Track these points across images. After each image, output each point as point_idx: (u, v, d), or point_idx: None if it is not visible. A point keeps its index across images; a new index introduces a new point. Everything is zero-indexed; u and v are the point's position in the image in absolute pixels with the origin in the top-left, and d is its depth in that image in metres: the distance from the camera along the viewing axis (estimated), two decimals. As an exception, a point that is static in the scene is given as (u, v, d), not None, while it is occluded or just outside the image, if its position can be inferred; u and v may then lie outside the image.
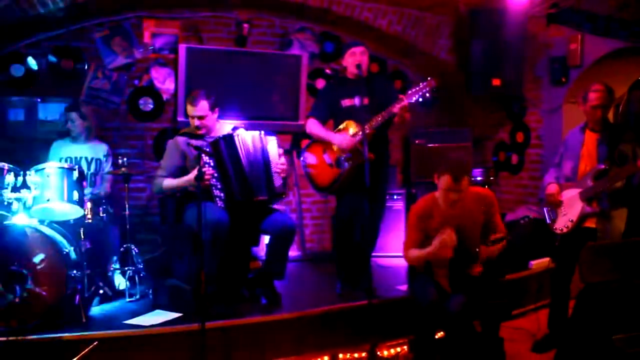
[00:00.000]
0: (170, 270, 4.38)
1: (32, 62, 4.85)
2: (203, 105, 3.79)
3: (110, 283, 4.07)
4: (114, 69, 5.09)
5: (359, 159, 3.81)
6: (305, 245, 5.65)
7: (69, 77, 4.96)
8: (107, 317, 3.63)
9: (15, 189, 3.50)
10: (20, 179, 3.55)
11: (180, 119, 5.13)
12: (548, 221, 3.78)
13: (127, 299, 3.93)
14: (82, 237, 3.83)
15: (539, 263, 4.59)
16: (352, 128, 3.93)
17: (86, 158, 4.40)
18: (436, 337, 3.49)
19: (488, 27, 5.28)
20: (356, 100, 3.98)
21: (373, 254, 4.37)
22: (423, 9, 5.56)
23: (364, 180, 3.52)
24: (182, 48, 5.06)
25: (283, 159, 3.91)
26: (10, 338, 3.08)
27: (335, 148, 3.97)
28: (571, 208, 3.63)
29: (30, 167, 3.58)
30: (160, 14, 5.19)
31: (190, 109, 3.82)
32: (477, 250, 3.27)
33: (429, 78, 3.84)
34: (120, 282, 4.10)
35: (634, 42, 4.42)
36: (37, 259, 3.28)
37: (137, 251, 4.11)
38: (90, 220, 3.93)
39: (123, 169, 4.09)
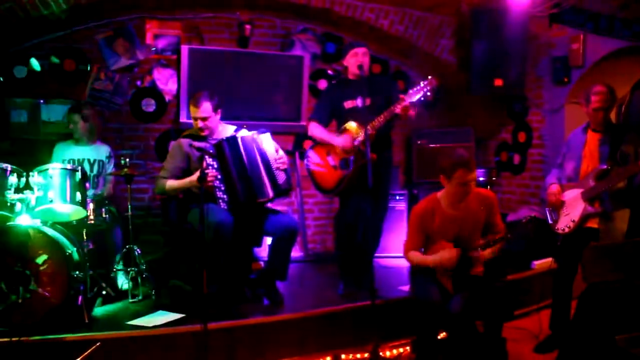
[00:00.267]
0: (172, 271, 4.39)
1: (35, 63, 4.86)
2: (206, 106, 3.79)
3: (113, 284, 4.07)
4: (116, 70, 5.10)
5: (361, 160, 3.81)
6: (308, 245, 5.65)
7: (72, 78, 4.98)
8: (110, 318, 3.64)
9: (18, 190, 3.51)
10: (23, 180, 3.56)
11: (183, 120, 5.14)
12: (550, 221, 3.77)
13: (130, 300, 3.94)
14: (85, 238, 3.84)
15: (542, 263, 4.58)
16: (355, 129, 3.93)
17: (89, 160, 4.41)
18: (439, 337, 3.49)
19: (490, 27, 5.28)
20: (358, 101, 3.98)
21: (375, 254, 4.37)
22: (425, 9, 5.56)
23: (367, 181, 3.52)
24: (184, 49, 5.07)
25: (281, 152, 3.90)
26: (13, 339, 3.08)
27: (339, 150, 3.97)
28: (573, 208, 3.63)
29: (33, 168, 3.59)
30: (163, 15, 5.20)
31: (193, 111, 3.81)
32: (480, 250, 3.27)
33: (430, 77, 3.84)
34: (123, 282, 4.11)
35: (636, 41, 4.41)
36: (40, 259, 3.28)
37: (139, 252, 4.12)
38: (92, 221, 3.94)
39: (125, 169, 4.09)
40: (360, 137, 3.84)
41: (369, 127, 3.72)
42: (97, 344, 3.16)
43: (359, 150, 3.85)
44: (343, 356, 3.70)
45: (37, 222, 3.47)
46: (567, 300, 3.73)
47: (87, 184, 3.87)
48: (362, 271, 4.05)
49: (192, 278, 3.95)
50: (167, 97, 5.28)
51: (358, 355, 3.70)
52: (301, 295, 4.28)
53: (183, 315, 3.61)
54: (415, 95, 3.81)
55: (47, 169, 3.57)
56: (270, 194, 3.79)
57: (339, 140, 3.92)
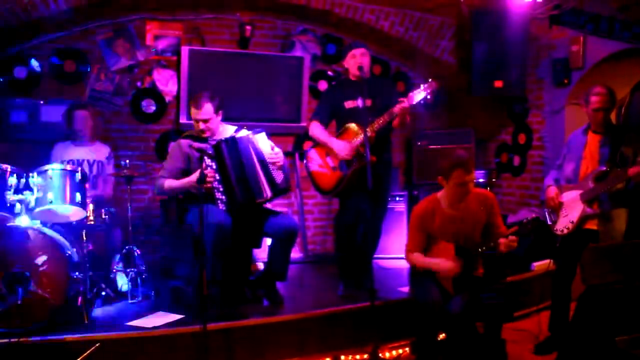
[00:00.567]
0: (172, 272, 4.39)
1: (35, 64, 4.87)
2: (208, 108, 3.77)
3: (112, 284, 4.08)
4: (116, 71, 5.11)
5: (361, 162, 3.81)
6: (308, 247, 5.65)
7: (72, 79, 4.98)
8: (110, 319, 3.63)
9: (17, 191, 3.50)
10: (22, 180, 3.55)
11: (183, 120, 5.14)
12: (549, 222, 3.78)
13: (130, 301, 3.94)
14: (85, 238, 3.83)
15: (541, 265, 4.58)
16: (354, 131, 3.93)
17: (88, 160, 4.42)
18: (438, 338, 3.48)
19: (490, 28, 5.28)
20: (359, 102, 3.97)
21: (375, 255, 4.37)
22: (425, 11, 5.56)
23: (366, 182, 3.52)
24: (184, 50, 5.07)
25: (277, 149, 3.88)
26: (13, 340, 3.08)
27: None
28: (572, 210, 3.63)
29: (32, 169, 3.59)
30: (163, 16, 5.20)
31: (194, 112, 3.80)
32: (480, 250, 3.27)
33: (430, 80, 3.84)
34: (123, 283, 4.11)
35: (636, 43, 4.41)
36: (40, 260, 3.28)
37: (139, 253, 4.12)
38: (92, 222, 3.94)
39: (125, 170, 4.09)
40: (360, 139, 3.84)
41: (368, 129, 3.72)
42: (97, 345, 3.16)
43: (358, 152, 3.85)
44: (343, 357, 3.70)
45: (36, 223, 3.47)
46: (566, 301, 3.73)
47: (87, 185, 3.86)
48: (362, 272, 4.05)
49: (192, 279, 3.95)
50: (167, 98, 5.28)
51: (357, 357, 3.70)
52: (301, 296, 4.28)
53: (182, 316, 3.61)
54: (416, 98, 3.81)
55: (47, 170, 3.56)
56: (269, 194, 3.79)
57: (338, 146, 3.91)
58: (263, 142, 3.87)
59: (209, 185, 3.62)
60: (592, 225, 3.58)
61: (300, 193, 5.66)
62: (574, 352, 2.99)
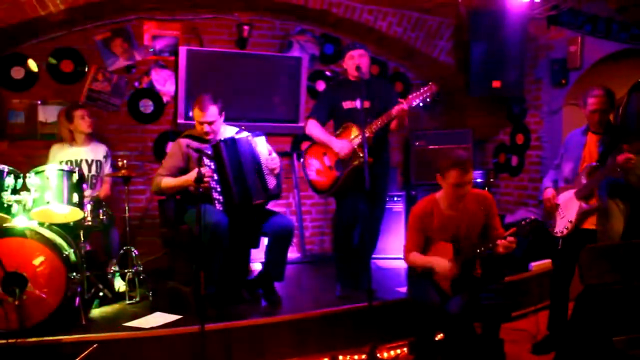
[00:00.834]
0: (170, 272, 4.38)
1: (32, 64, 4.86)
2: (212, 110, 3.78)
3: (110, 285, 4.07)
4: (114, 71, 5.10)
5: (358, 162, 3.81)
6: (305, 247, 5.65)
7: (69, 79, 4.97)
8: (107, 319, 3.63)
9: (15, 192, 3.50)
10: (20, 181, 3.56)
11: (181, 121, 5.13)
12: (548, 227, 3.79)
13: (127, 301, 3.93)
14: (82, 239, 3.83)
15: (539, 265, 4.59)
16: (353, 131, 3.93)
17: (86, 160, 4.41)
18: (436, 338, 3.48)
19: (488, 29, 5.29)
20: (357, 103, 3.97)
21: (373, 255, 4.37)
22: (423, 11, 5.56)
23: (364, 182, 3.53)
24: (182, 50, 5.07)
25: (274, 155, 3.90)
26: (10, 341, 3.08)
27: (335, 151, 3.97)
28: (568, 209, 3.65)
29: (30, 169, 3.59)
30: (161, 16, 5.19)
31: (199, 115, 3.79)
32: (478, 251, 3.27)
33: (430, 83, 3.83)
34: (120, 284, 4.10)
35: (633, 44, 4.42)
36: (37, 261, 3.28)
37: (137, 253, 4.11)
38: (90, 223, 3.93)
39: (123, 171, 4.09)
40: (358, 140, 3.84)
41: (366, 130, 3.72)
42: (94, 346, 3.16)
43: (355, 152, 3.85)
44: (341, 357, 3.70)
45: (33, 224, 3.47)
46: (564, 301, 3.74)
47: (85, 185, 3.86)
48: (360, 272, 4.05)
49: (190, 279, 3.94)
50: (165, 98, 5.28)
51: (356, 357, 3.69)
52: (299, 296, 4.28)
53: (180, 316, 3.60)
54: (415, 100, 3.81)
55: (44, 170, 3.56)
56: (260, 198, 3.80)
57: (337, 145, 3.91)
58: (261, 146, 3.88)
59: (206, 184, 3.62)
60: (590, 225, 3.58)
61: (298, 193, 5.66)
62: (571, 352, 2.99)
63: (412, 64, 6.05)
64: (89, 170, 4.39)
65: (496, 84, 5.31)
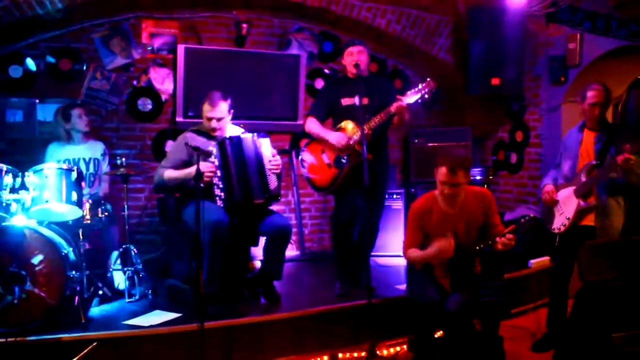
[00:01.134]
0: (169, 271, 4.38)
1: (30, 63, 4.85)
2: (222, 107, 3.81)
3: (109, 283, 4.07)
4: (112, 69, 5.09)
5: (357, 159, 3.82)
6: (305, 244, 5.65)
7: (68, 77, 4.96)
8: (107, 318, 3.63)
9: (13, 190, 3.50)
10: (18, 180, 3.55)
11: (179, 119, 5.13)
12: (545, 223, 3.79)
13: (127, 300, 3.93)
14: (81, 237, 3.83)
15: (539, 262, 4.59)
16: (351, 128, 3.93)
17: (84, 159, 4.40)
18: (435, 336, 3.49)
19: (487, 26, 5.28)
20: (356, 100, 3.97)
21: (372, 253, 4.37)
22: (422, 9, 5.55)
23: (363, 180, 3.53)
24: (180, 48, 5.06)
25: (277, 157, 3.93)
26: (10, 339, 3.08)
27: (333, 147, 3.97)
28: (567, 206, 3.65)
29: (28, 168, 3.58)
30: (159, 14, 5.18)
31: (208, 111, 3.81)
32: (477, 248, 3.27)
33: (428, 79, 3.84)
34: (120, 282, 4.10)
35: (632, 40, 4.41)
36: (36, 260, 3.27)
37: (136, 251, 4.11)
38: (89, 221, 3.92)
39: (122, 169, 4.08)
40: (357, 136, 3.84)
41: (365, 126, 3.72)
42: (94, 344, 3.16)
43: (354, 149, 3.85)
44: (340, 355, 3.71)
45: (32, 222, 3.46)
46: (563, 298, 3.75)
47: (83, 184, 3.85)
48: (359, 270, 4.05)
49: (189, 277, 3.94)
50: (164, 97, 5.27)
51: (355, 354, 3.70)
52: (298, 294, 4.28)
53: (180, 314, 3.60)
54: (413, 97, 3.81)
55: (43, 169, 3.56)
56: (261, 198, 3.81)
57: (334, 137, 3.92)
58: (266, 147, 3.91)
59: (207, 179, 3.63)
60: (589, 222, 3.59)
61: (297, 191, 5.66)
62: (570, 349, 2.99)
63: (411, 61, 6.05)
64: (87, 169, 4.38)
65: (495, 81, 5.30)
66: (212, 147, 3.73)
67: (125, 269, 4.01)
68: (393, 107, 3.78)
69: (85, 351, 3.11)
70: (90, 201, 3.97)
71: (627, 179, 3.44)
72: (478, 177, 5.52)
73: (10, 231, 3.31)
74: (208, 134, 3.86)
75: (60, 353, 3.13)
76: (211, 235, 3.55)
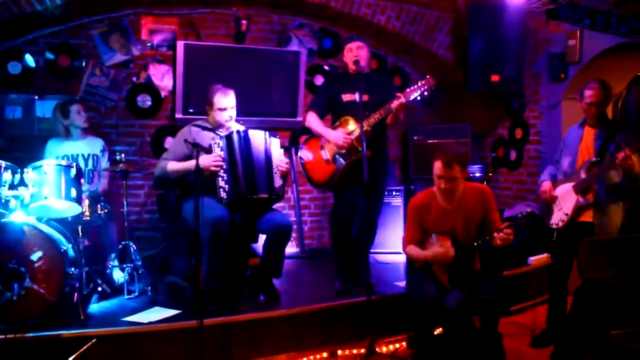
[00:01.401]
0: (169, 267, 4.38)
1: (29, 59, 4.83)
2: (233, 95, 3.87)
3: (108, 280, 4.07)
4: (111, 65, 5.08)
5: (356, 156, 3.82)
6: (304, 241, 5.64)
7: (67, 74, 4.95)
8: (106, 314, 3.63)
9: (12, 187, 3.49)
10: (17, 176, 3.54)
11: (179, 115, 5.12)
12: (544, 218, 3.80)
13: (126, 296, 3.93)
14: (80, 234, 3.82)
15: (538, 259, 4.59)
16: (350, 124, 3.93)
17: (83, 155, 4.40)
18: (435, 333, 3.49)
19: (487, 23, 5.27)
20: (356, 96, 3.96)
21: (372, 250, 4.37)
22: (422, 5, 5.54)
23: (362, 176, 3.53)
24: (180, 45, 5.04)
25: (285, 159, 3.97)
26: (9, 336, 3.07)
27: (332, 144, 3.97)
28: (566, 202, 3.66)
29: (27, 164, 3.57)
30: (158, 10, 5.17)
31: (222, 101, 3.84)
32: (476, 244, 3.27)
33: (427, 77, 3.84)
34: (119, 279, 4.10)
35: (632, 37, 4.41)
36: (35, 256, 3.27)
37: (135, 248, 4.11)
38: (88, 218, 3.91)
39: (121, 165, 4.08)
40: (356, 133, 3.84)
41: (364, 123, 3.71)
42: (93, 341, 3.16)
43: (353, 146, 3.85)
44: (339, 352, 3.71)
45: (31, 219, 3.46)
46: (563, 295, 3.75)
47: (82, 180, 3.85)
48: (358, 267, 4.05)
49: (189, 274, 3.94)
50: (163, 93, 5.26)
51: (354, 351, 3.70)
52: (298, 291, 4.28)
53: (179, 311, 3.60)
54: (413, 94, 3.81)
55: (42, 165, 3.55)
56: (265, 194, 3.81)
57: (333, 135, 3.92)
58: (275, 146, 3.93)
59: (214, 169, 3.65)
60: (587, 218, 3.60)
61: (297, 188, 5.65)
62: (570, 346, 2.99)
63: (411, 58, 6.04)
64: (86, 165, 4.38)
65: (495, 78, 5.29)
66: (220, 140, 3.74)
67: (125, 265, 4.01)
68: (393, 105, 3.78)
69: (85, 348, 3.11)
70: (89, 198, 3.97)
71: (627, 178, 3.43)
72: (477, 174, 5.52)
73: (10, 228, 3.30)
74: (213, 129, 3.86)
75: (60, 349, 3.13)
76: (211, 232, 3.54)
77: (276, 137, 3.98)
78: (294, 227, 5.28)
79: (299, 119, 5.45)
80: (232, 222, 3.70)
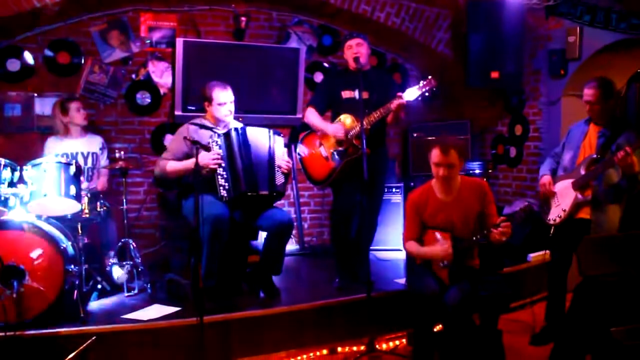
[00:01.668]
0: (168, 265, 4.38)
1: (28, 56, 4.83)
2: (230, 90, 3.88)
3: (108, 278, 4.07)
4: (111, 63, 5.07)
5: (354, 153, 3.81)
6: (304, 239, 5.65)
7: (66, 71, 4.94)
8: (105, 312, 3.63)
9: (12, 184, 3.49)
10: (17, 174, 3.54)
11: (178, 112, 5.11)
12: (538, 210, 3.79)
13: (126, 294, 3.94)
14: (80, 232, 3.83)
15: (538, 256, 4.59)
16: (350, 121, 3.92)
17: (82, 153, 4.39)
18: (435, 330, 3.49)
19: (486, 19, 5.25)
20: (356, 93, 3.96)
21: (371, 247, 4.37)
22: (421, 2, 5.53)
23: (361, 173, 3.53)
24: (179, 42, 5.03)
25: (288, 158, 3.96)
26: (8, 333, 3.08)
27: (331, 141, 3.97)
28: (564, 198, 3.66)
29: (27, 162, 3.57)
30: (158, 7, 5.16)
31: (222, 95, 3.85)
32: (474, 239, 3.27)
33: (429, 77, 3.82)
34: (119, 276, 4.10)
35: (632, 34, 4.40)
36: (35, 254, 3.27)
37: (135, 246, 4.11)
38: (87, 215, 3.92)
39: (120, 163, 4.07)
40: (355, 130, 3.83)
41: (364, 121, 3.71)
42: (93, 338, 3.16)
43: (352, 143, 3.85)
44: (339, 349, 3.72)
45: (31, 217, 3.46)
46: (561, 292, 3.75)
47: (82, 178, 3.85)
48: (358, 264, 4.05)
49: (188, 271, 3.94)
50: (162, 90, 5.26)
51: (354, 348, 3.71)
52: (297, 288, 4.28)
53: (179, 308, 3.61)
54: (413, 94, 3.80)
55: (41, 163, 3.55)
56: (268, 189, 3.80)
57: (332, 128, 3.92)
58: (278, 145, 3.92)
59: (213, 167, 3.63)
60: (584, 215, 3.59)
61: (297, 185, 5.65)
62: (569, 343, 2.99)
63: (411, 55, 6.03)
64: (85, 163, 4.37)
65: (494, 75, 5.28)
66: (218, 138, 3.73)
67: (124, 263, 4.01)
68: (393, 105, 3.77)
69: (84, 345, 3.11)
70: (88, 195, 3.96)
71: (626, 178, 3.43)
72: (477, 171, 5.52)
73: (9, 225, 3.30)
74: (211, 127, 3.85)
75: (59, 347, 3.13)
76: (211, 229, 3.54)
77: (280, 135, 3.97)
78: (294, 223, 5.28)
79: (299, 116, 5.45)
80: (231, 219, 3.70)
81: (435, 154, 3.29)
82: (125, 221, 4.09)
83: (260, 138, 3.86)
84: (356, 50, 3.94)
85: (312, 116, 4.06)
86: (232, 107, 3.89)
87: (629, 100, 5.25)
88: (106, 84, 5.07)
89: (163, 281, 4.16)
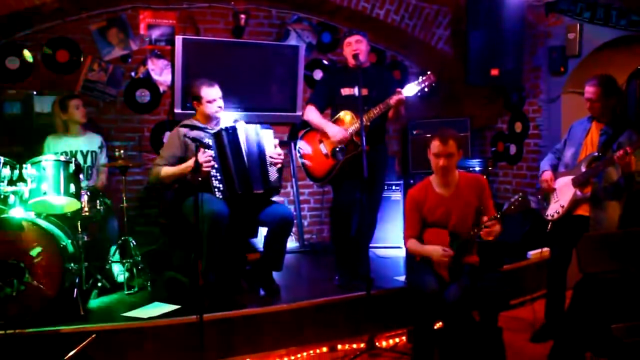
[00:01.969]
0: (168, 262, 4.38)
1: (27, 54, 4.82)
2: (217, 87, 3.87)
3: (108, 276, 4.06)
4: (110, 60, 5.07)
5: (354, 150, 3.81)
6: (304, 236, 5.65)
7: (65, 69, 4.94)
8: (106, 310, 3.63)
9: (11, 182, 3.48)
10: (16, 172, 3.53)
11: (178, 110, 5.11)
12: (534, 206, 3.79)
13: (126, 292, 3.93)
14: (80, 230, 3.82)
15: (538, 253, 4.59)
16: (349, 119, 3.92)
17: (82, 151, 4.39)
18: (435, 327, 3.49)
19: (486, 16, 5.24)
20: (355, 90, 3.96)
21: (371, 244, 4.37)
22: (421, -1, 5.53)
23: (361, 170, 3.53)
24: (178, 39, 5.03)
25: (279, 149, 3.92)
26: (8, 331, 3.07)
27: (331, 138, 3.96)
28: (563, 194, 3.66)
29: (26, 160, 3.57)
30: (157, 5, 5.15)
31: (210, 92, 3.84)
32: (472, 234, 3.27)
33: (428, 73, 3.83)
34: (119, 274, 4.10)
35: (632, 30, 4.39)
36: (35, 252, 3.27)
37: (135, 243, 4.11)
38: (87, 213, 3.92)
39: (120, 161, 4.07)
40: (355, 127, 3.83)
41: (364, 118, 3.71)
42: (93, 336, 3.16)
43: (352, 140, 3.84)
44: (339, 346, 3.72)
45: (31, 215, 3.45)
46: (561, 289, 3.75)
47: (81, 176, 3.84)
48: (358, 261, 4.05)
49: (188, 269, 3.94)
50: (162, 88, 5.25)
51: (354, 346, 3.71)
52: (297, 285, 4.28)
53: (179, 306, 3.60)
54: (413, 90, 3.80)
55: (41, 161, 3.54)
56: (260, 189, 3.80)
57: (332, 130, 3.91)
58: (268, 138, 3.89)
59: (205, 173, 3.61)
60: (583, 212, 3.59)
61: (296, 182, 5.65)
62: (569, 340, 2.99)
63: (410, 52, 6.02)
64: (85, 161, 4.37)
65: (494, 72, 5.27)
66: (208, 139, 3.71)
67: (124, 261, 4.01)
68: (392, 100, 3.77)
69: (84, 343, 3.11)
70: (88, 193, 3.96)
71: (624, 177, 3.43)
72: (477, 168, 5.51)
73: (9, 223, 3.30)
74: (203, 127, 3.84)
75: (59, 345, 3.12)
76: (210, 226, 3.54)
77: (269, 128, 3.94)
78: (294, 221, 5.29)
79: (298, 113, 5.44)
80: (231, 216, 3.69)
81: (434, 145, 3.34)
82: (125, 219, 4.09)
83: (249, 135, 3.84)
84: (355, 47, 3.94)
85: (311, 114, 4.06)
86: (221, 102, 3.88)
87: (629, 97, 5.24)
88: (105, 81, 5.07)
89: (163, 279, 4.16)
